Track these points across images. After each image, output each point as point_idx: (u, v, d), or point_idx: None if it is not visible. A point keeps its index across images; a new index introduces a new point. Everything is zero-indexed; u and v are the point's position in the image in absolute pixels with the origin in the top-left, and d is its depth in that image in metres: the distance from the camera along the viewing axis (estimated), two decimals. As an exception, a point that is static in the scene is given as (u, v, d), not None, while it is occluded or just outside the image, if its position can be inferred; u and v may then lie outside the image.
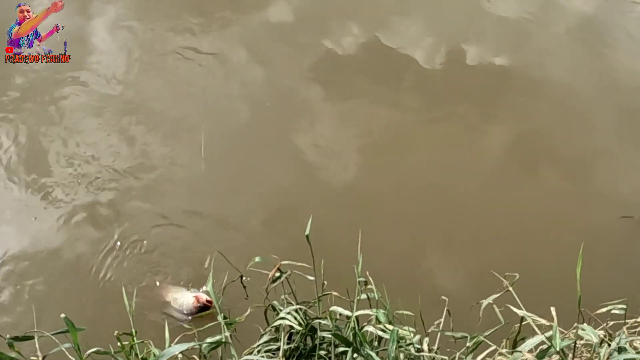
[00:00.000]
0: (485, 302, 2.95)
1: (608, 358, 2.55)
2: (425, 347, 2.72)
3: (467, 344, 2.93)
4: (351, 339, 2.77)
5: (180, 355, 2.80)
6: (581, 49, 7.11)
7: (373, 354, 2.56)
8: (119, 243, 5.10)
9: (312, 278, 3.03)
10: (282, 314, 3.03)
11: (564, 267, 4.83)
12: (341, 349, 2.86)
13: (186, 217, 5.41)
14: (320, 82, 6.61)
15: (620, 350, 2.58)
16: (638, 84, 6.80)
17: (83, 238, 5.19)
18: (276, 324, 3.07)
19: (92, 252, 5.09)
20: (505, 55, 6.96)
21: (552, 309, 2.31)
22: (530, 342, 2.46)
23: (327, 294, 3.06)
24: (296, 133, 6.20)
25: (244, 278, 3.09)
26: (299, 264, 3.01)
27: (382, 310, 2.79)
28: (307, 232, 2.93)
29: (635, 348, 2.79)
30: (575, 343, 2.35)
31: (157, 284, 4.65)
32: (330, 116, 6.41)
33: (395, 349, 2.47)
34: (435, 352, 2.93)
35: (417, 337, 2.78)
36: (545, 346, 2.47)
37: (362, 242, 3.01)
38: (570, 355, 2.43)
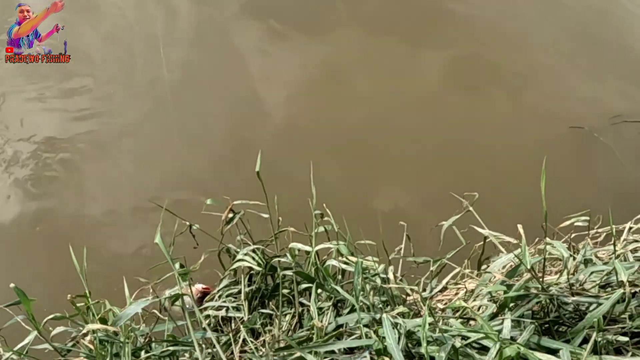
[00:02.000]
0: (445, 224, 2.89)
1: (575, 271, 2.52)
2: (391, 275, 2.65)
3: (431, 268, 2.88)
4: (313, 274, 2.69)
5: (140, 312, 2.71)
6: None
7: (338, 288, 2.48)
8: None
9: (266, 216, 2.93)
10: (239, 256, 2.94)
11: (519, 184, 4.89)
12: (304, 285, 2.79)
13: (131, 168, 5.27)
14: (257, 20, 6.45)
15: (587, 262, 2.55)
16: (584, 3, 6.80)
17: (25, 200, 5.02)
18: (234, 266, 2.98)
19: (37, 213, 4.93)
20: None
21: (519, 226, 2.24)
22: (500, 262, 2.40)
23: (284, 230, 2.97)
24: (235, 75, 6.08)
25: (195, 227, 2.95)
26: (252, 202, 2.90)
27: (342, 243, 2.71)
28: (257, 169, 2.82)
29: (600, 259, 2.77)
30: (544, 260, 2.29)
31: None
32: (269, 56, 6.29)
33: (361, 280, 2.39)
34: (400, 280, 2.87)
35: (382, 266, 2.71)
36: (511, 265, 2.44)
37: (314, 178, 2.90)
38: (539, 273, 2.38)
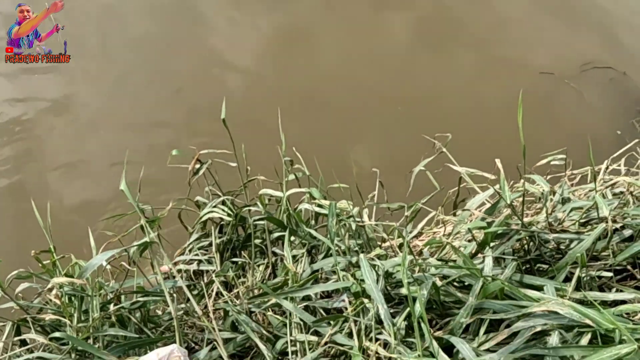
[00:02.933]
0: (417, 168, 2.82)
1: (553, 210, 2.46)
2: (366, 218, 2.58)
3: (405, 214, 2.81)
4: (285, 221, 2.61)
5: (109, 266, 2.61)
6: None
7: (313, 232, 2.40)
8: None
9: (234, 164, 2.83)
10: (208, 207, 2.84)
11: (491, 131, 4.86)
12: (277, 234, 2.70)
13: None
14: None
15: (565, 201, 2.50)
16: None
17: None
18: (204, 218, 2.88)
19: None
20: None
21: (497, 160, 2.17)
22: (478, 199, 2.33)
23: (254, 179, 2.88)
24: (203, 37, 6.00)
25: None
26: (219, 151, 2.79)
27: (314, 188, 2.62)
28: (222, 116, 2.71)
29: (579, 198, 2.72)
30: (524, 195, 2.23)
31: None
32: (235, 20, 6.19)
33: (336, 223, 2.31)
34: (375, 226, 2.80)
35: (356, 209, 2.63)
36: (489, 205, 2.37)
37: (283, 130, 2.82)
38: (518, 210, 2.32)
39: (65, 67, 5.47)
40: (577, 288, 1.95)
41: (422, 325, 1.70)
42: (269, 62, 5.79)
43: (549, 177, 3.00)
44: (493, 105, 5.22)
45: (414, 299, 1.78)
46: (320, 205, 2.52)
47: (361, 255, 2.02)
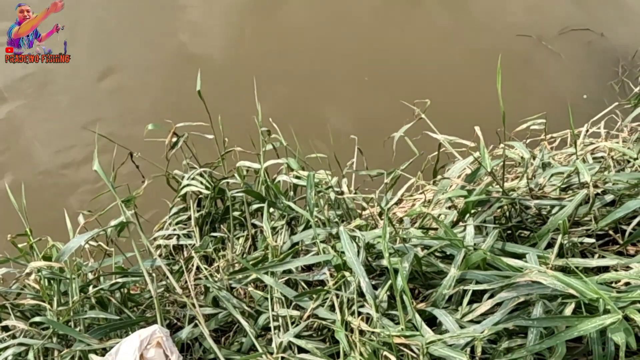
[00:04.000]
0: (397, 134, 2.79)
1: (534, 176, 2.44)
2: (345, 188, 2.55)
3: (385, 181, 2.78)
4: (264, 193, 2.58)
5: (87, 246, 2.56)
6: None
7: (291, 204, 2.37)
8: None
9: (211, 137, 2.79)
10: (185, 181, 2.80)
11: (470, 94, 4.82)
12: (256, 206, 2.67)
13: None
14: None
15: (545, 166, 2.48)
16: None
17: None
18: (182, 192, 2.84)
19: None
20: None
21: (477, 128, 2.13)
22: (458, 167, 2.30)
23: (231, 151, 2.83)
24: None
25: (136, 154, 2.79)
26: (196, 123, 2.75)
27: (292, 159, 2.59)
28: (198, 88, 2.67)
29: (559, 162, 2.70)
30: (504, 162, 2.20)
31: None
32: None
33: (315, 195, 2.28)
34: (355, 194, 2.77)
35: (335, 179, 2.60)
36: (469, 172, 2.34)
37: (259, 98, 2.77)
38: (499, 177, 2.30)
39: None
40: (560, 255, 1.93)
41: (405, 298, 1.68)
42: (242, 26, 5.70)
43: (528, 141, 2.98)
44: (470, 67, 5.19)
45: (396, 271, 1.76)
46: (298, 177, 2.49)
47: (341, 227, 1.99)
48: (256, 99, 2.77)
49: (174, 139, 2.81)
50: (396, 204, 2.89)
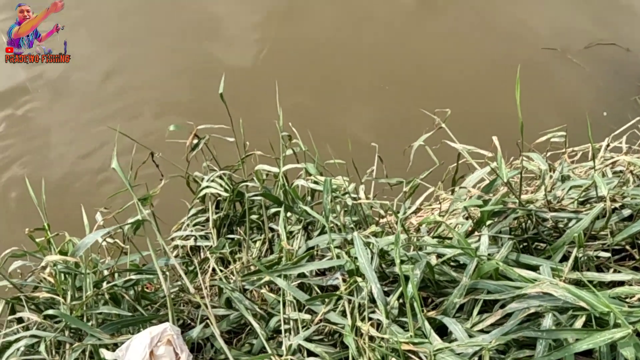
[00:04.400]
0: (416, 143, 2.78)
1: (552, 188, 2.43)
2: (362, 195, 2.56)
3: (404, 189, 2.78)
4: (282, 197, 2.59)
5: (104, 243, 2.59)
6: None
7: (307, 208, 2.38)
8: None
9: (231, 139, 2.81)
10: (205, 182, 2.82)
11: (492, 104, 4.81)
12: (273, 210, 2.68)
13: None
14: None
15: (564, 179, 2.47)
16: None
17: None
18: (201, 194, 2.87)
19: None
20: None
21: (494, 138, 2.13)
22: (475, 176, 2.30)
23: (251, 154, 2.85)
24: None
25: (157, 154, 2.82)
26: (217, 126, 2.77)
27: (310, 164, 2.60)
28: (220, 90, 2.68)
29: (578, 176, 2.68)
30: (521, 173, 2.20)
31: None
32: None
33: (331, 200, 2.29)
34: (379, 204, 2.77)
35: (352, 185, 2.61)
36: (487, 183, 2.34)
37: (280, 102, 2.79)
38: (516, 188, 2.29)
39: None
40: (575, 268, 1.92)
41: (415, 305, 1.68)
42: (265, 36, 5.74)
43: (549, 154, 2.96)
44: (493, 77, 5.18)
45: (407, 278, 1.76)
46: (316, 182, 2.50)
47: (355, 233, 1.99)
48: (277, 104, 2.79)
49: (195, 141, 2.83)
50: (414, 212, 2.89)
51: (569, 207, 2.24)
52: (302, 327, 2.00)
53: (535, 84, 5.13)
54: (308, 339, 1.94)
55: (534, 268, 1.90)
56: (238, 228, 2.85)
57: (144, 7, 5.93)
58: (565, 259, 1.98)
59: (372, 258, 1.97)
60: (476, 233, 2.12)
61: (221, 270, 2.53)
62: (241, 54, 5.54)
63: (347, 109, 5.10)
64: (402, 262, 1.90)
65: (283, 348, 1.95)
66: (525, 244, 2.16)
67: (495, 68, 5.31)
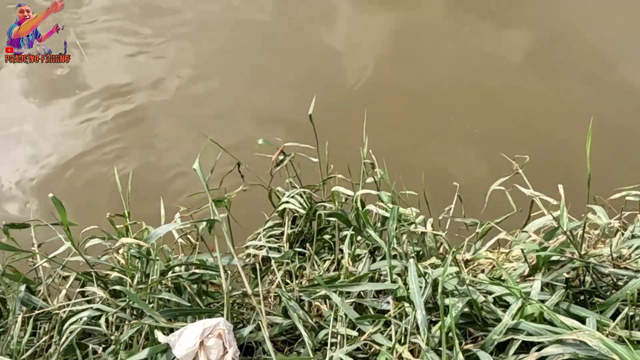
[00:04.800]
0: (492, 187, 2.82)
1: (621, 245, 2.42)
2: (429, 227, 2.61)
3: (477, 230, 2.82)
4: (354, 221, 2.68)
5: (181, 240, 2.74)
6: None
7: (372, 232, 2.46)
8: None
9: (315, 160, 2.92)
10: (285, 198, 2.94)
11: (583, 159, 4.76)
12: (346, 232, 2.77)
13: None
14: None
15: (634, 237, 2.46)
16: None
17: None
18: (280, 208, 2.99)
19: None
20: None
21: (560, 186, 2.16)
22: (537, 222, 2.33)
23: (332, 177, 2.96)
24: (320, 31, 6.18)
25: (244, 166, 2.96)
26: (303, 145, 2.90)
27: (385, 192, 2.68)
28: (310, 112, 2.81)
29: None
30: (584, 225, 2.21)
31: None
32: (355, 19, 6.33)
33: (396, 228, 2.37)
34: (443, 236, 2.82)
35: (421, 217, 2.67)
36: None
37: (370, 137, 2.90)
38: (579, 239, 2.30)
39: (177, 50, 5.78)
40: (627, 327, 1.92)
41: (452, 335, 1.74)
42: (377, 62, 5.90)
43: (626, 213, 2.94)
44: (593, 133, 5.12)
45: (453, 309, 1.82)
46: (386, 209, 2.58)
47: (411, 260, 2.06)
48: (364, 130, 2.89)
49: (281, 157, 2.96)
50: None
51: (632, 265, 2.23)
52: (347, 343, 2.07)
53: (628, 143, 5.05)
54: (350, 354, 2.02)
55: (583, 319, 1.92)
56: (309, 245, 2.95)
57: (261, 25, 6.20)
58: (618, 314, 1.98)
59: (426, 287, 2.03)
60: (531, 278, 2.15)
61: (286, 283, 2.64)
62: (347, 83, 5.69)
63: (437, 150, 5.16)
64: (451, 294, 1.96)
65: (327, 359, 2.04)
66: (582, 296, 2.17)
67: (595, 126, 5.26)
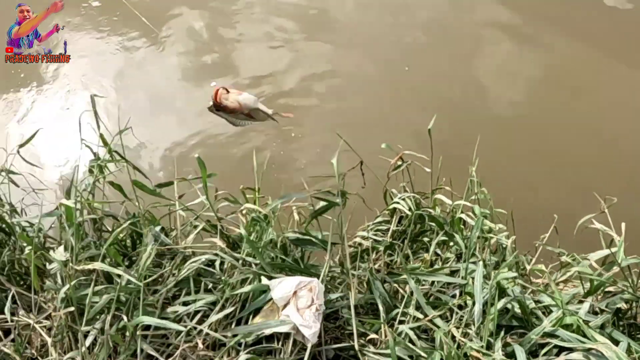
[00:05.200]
0: (580, 222, 3.06)
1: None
2: (509, 242, 2.91)
3: (562, 258, 3.08)
4: (448, 227, 3.02)
5: (296, 217, 3.17)
6: None
7: (457, 236, 2.81)
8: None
9: (428, 170, 3.27)
10: (396, 199, 3.31)
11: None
12: (443, 238, 3.11)
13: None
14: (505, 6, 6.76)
15: None
16: None
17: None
18: (390, 207, 3.36)
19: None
20: None
21: (623, 224, 2.44)
22: (599, 253, 2.60)
23: (440, 188, 3.31)
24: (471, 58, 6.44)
25: (365, 165, 3.34)
26: (419, 155, 3.24)
27: (480, 208, 2.99)
28: (429, 126, 3.17)
29: None
30: (640, 262, 2.47)
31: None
32: (509, 48, 6.54)
33: (478, 237, 2.70)
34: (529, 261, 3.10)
35: (505, 232, 2.98)
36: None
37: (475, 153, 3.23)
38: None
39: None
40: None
41: (491, 326, 2.07)
42: (525, 97, 6.09)
43: None
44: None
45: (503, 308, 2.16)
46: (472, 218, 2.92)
47: (480, 262, 2.41)
48: (475, 150, 3.23)
49: (399, 162, 3.34)
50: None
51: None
52: (413, 320, 2.45)
53: None
54: (412, 329, 2.39)
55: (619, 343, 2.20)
56: (412, 244, 3.30)
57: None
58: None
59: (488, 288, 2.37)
60: (584, 299, 2.44)
61: (377, 271, 3.02)
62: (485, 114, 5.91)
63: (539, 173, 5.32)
64: (507, 295, 2.30)
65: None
66: (631, 329, 2.43)
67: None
